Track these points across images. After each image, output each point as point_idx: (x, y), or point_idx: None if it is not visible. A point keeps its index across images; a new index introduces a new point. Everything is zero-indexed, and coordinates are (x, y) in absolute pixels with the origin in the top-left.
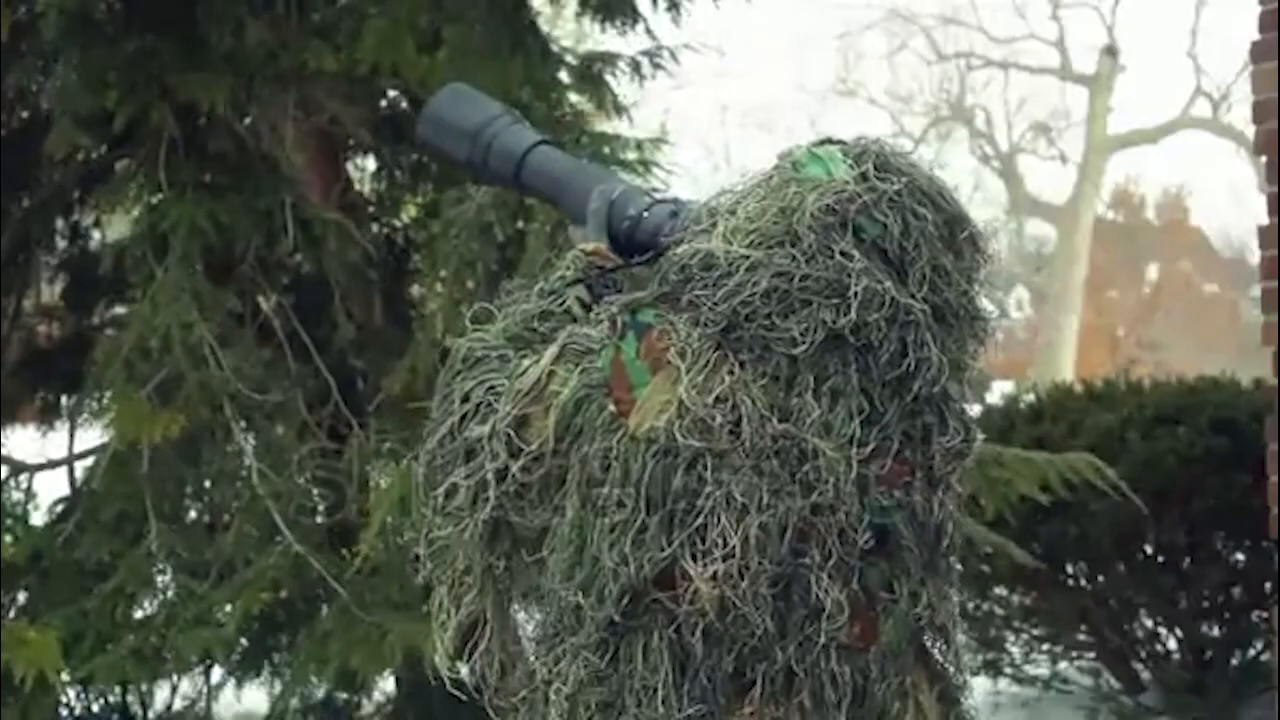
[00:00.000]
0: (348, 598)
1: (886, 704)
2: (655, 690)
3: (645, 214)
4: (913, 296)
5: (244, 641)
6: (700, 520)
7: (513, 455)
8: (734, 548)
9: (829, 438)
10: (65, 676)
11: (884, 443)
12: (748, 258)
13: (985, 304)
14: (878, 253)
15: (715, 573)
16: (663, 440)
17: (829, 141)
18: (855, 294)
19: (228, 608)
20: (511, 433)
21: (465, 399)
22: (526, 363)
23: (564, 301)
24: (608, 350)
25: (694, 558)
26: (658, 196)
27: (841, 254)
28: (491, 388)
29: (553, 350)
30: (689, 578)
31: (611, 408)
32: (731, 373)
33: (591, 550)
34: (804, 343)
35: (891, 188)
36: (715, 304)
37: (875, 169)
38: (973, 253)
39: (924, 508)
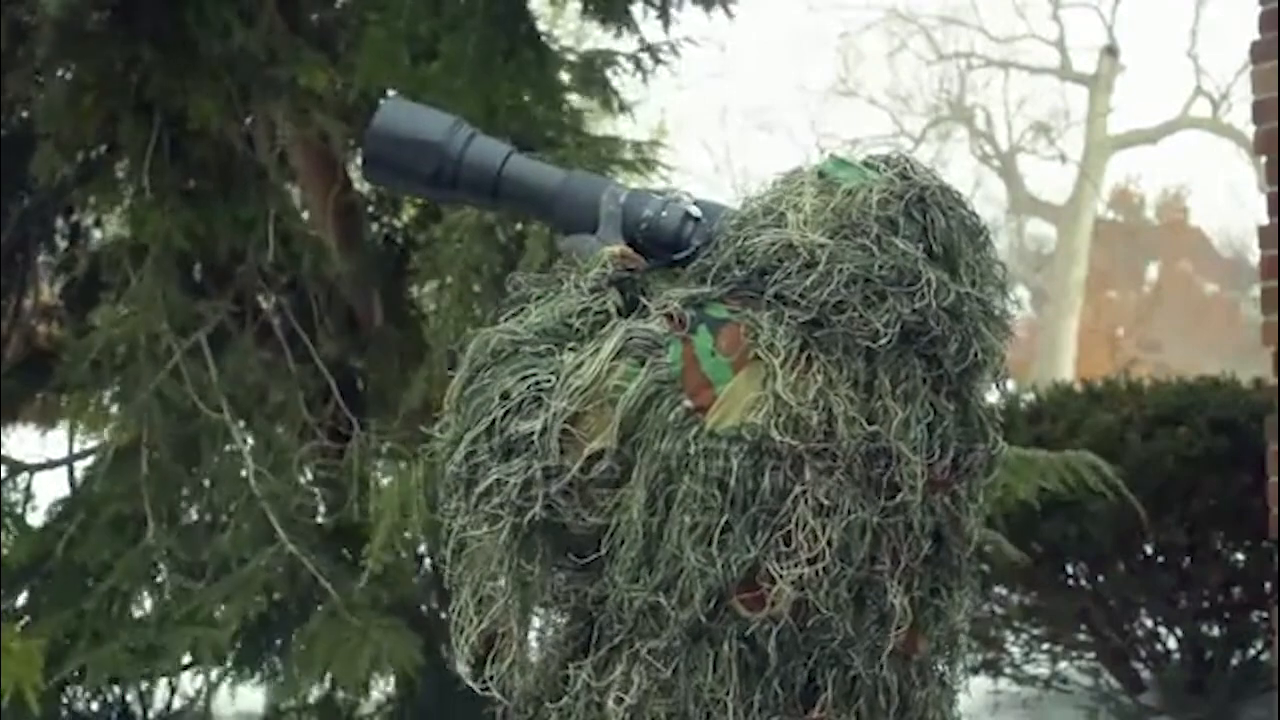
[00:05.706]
0: (339, 600)
1: (925, 712)
2: (722, 702)
3: (663, 214)
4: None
5: (237, 644)
6: (787, 521)
7: (564, 452)
8: (821, 550)
9: (905, 441)
10: (60, 675)
11: (944, 447)
12: (825, 246)
13: (1006, 303)
14: (923, 249)
15: (801, 576)
16: (752, 438)
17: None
18: (929, 281)
19: (221, 608)
20: (568, 429)
21: (506, 395)
22: (579, 357)
23: (604, 299)
24: (676, 346)
25: (778, 559)
26: (664, 197)
27: (901, 246)
28: (536, 383)
29: (611, 345)
30: (771, 580)
31: (686, 403)
32: (822, 372)
33: (668, 550)
34: (886, 335)
35: (934, 183)
36: (804, 294)
37: (909, 169)
38: (993, 252)
39: (965, 515)
